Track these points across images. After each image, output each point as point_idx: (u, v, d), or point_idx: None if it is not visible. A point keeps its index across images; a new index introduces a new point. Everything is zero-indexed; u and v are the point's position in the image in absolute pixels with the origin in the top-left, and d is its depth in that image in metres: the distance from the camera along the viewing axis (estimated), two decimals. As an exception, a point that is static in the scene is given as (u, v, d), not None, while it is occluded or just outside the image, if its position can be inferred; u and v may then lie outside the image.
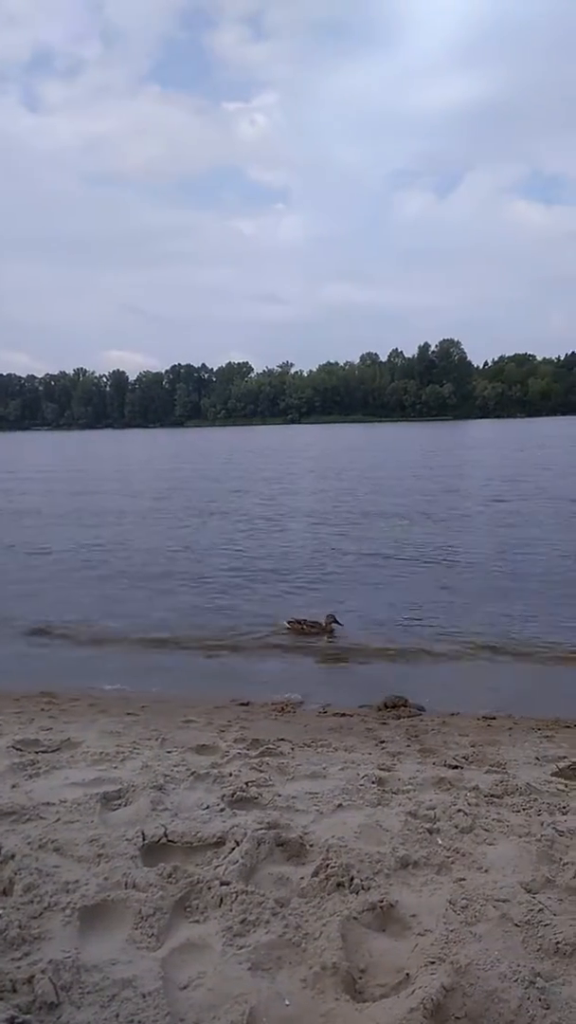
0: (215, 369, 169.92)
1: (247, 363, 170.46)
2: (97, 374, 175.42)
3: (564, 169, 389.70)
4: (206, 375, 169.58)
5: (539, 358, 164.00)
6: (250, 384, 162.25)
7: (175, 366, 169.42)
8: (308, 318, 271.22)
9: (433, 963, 2.17)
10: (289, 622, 8.30)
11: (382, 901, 2.48)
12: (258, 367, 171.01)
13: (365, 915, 2.43)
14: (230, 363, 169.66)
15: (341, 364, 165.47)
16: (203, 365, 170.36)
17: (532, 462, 33.63)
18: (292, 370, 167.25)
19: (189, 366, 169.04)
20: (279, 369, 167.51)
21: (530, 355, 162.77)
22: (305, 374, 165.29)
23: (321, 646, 7.63)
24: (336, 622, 8.19)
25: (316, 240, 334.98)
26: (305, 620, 8.27)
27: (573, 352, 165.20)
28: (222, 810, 3.19)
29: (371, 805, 3.30)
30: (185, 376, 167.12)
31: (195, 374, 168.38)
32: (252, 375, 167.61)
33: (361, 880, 2.61)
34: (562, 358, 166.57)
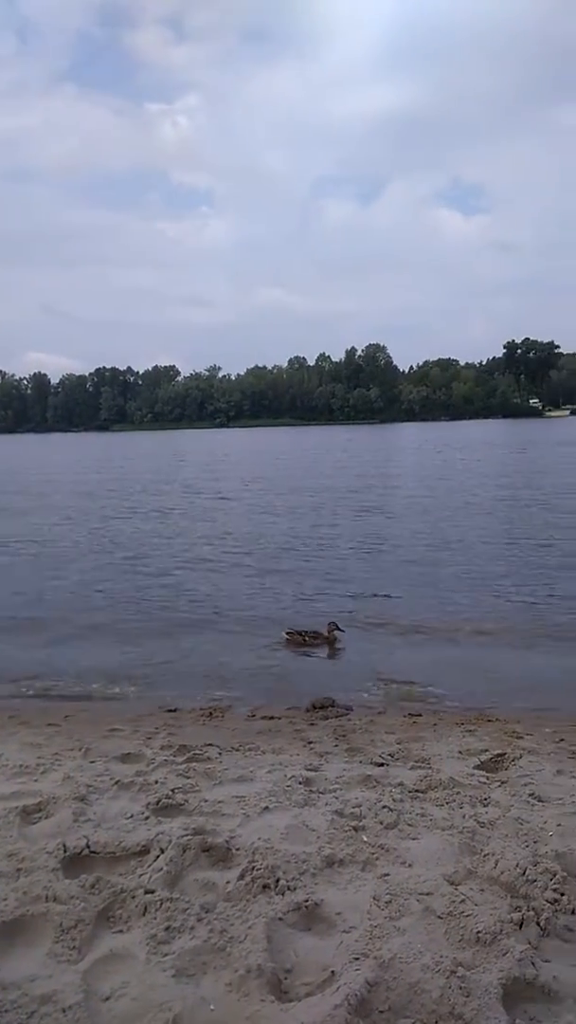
0: (141, 372, 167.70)
1: (174, 366, 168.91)
2: (17, 376, 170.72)
3: (483, 179, 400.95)
4: (132, 378, 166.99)
5: (462, 363, 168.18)
6: (177, 388, 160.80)
7: (99, 369, 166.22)
8: (236, 322, 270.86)
9: (357, 959, 2.19)
10: (288, 633, 7.92)
11: (307, 901, 2.49)
12: (185, 371, 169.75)
13: (291, 915, 2.43)
14: (156, 366, 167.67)
15: (269, 368, 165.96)
16: (128, 368, 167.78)
17: (435, 464, 34.45)
18: (220, 374, 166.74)
19: (114, 369, 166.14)
20: (207, 373, 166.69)
21: (453, 360, 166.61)
22: (233, 378, 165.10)
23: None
24: (339, 629, 7.86)
25: (243, 244, 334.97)
26: (305, 631, 7.89)
27: (493, 357, 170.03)
28: (147, 818, 3.15)
29: (298, 806, 3.31)
30: (110, 379, 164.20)
31: (120, 377, 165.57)
32: (179, 379, 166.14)
33: (287, 881, 2.62)
34: (484, 363, 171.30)
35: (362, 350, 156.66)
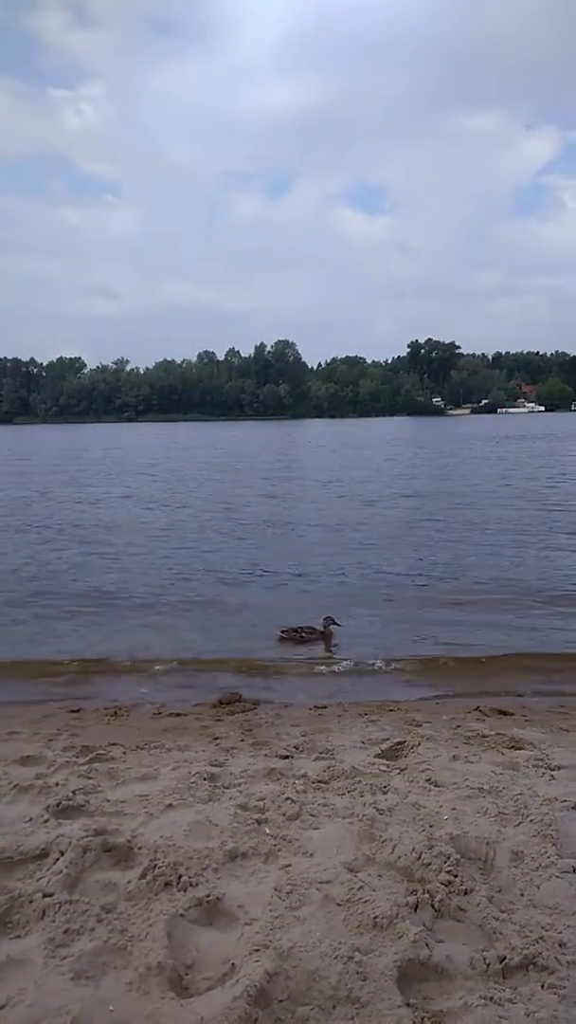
0: (45, 364, 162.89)
1: (80, 358, 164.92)
2: None
3: (387, 180, 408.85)
4: (35, 370, 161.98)
5: (369, 361, 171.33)
6: (83, 380, 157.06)
7: (0, 359, 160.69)
8: (144, 314, 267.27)
9: (258, 950, 2.22)
10: (283, 631, 7.75)
11: (209, 896, 2.50)
12: (92, 363, 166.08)
13: (192, 911, 2.44)
14: (61, 358, 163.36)
15: (178, 362, 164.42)
16: (32, 359, 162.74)
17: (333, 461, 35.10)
18: (128, 367, 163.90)
19: (16, 360, 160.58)
20: (114, 366, 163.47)
21: (360, 358, 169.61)
22: (142, 371, 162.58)
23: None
24: (335, 623, 7.79)
25: (150, 236, 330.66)
26: (301, 627, 7.76)
27: (398, 356, 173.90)
28: (46, 821, 3.09)
29: (202, 802, 3.31)
30: (12, 370, 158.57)
31: (23, 368, 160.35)
32: (85, 371, 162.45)
33: (189, 877, 2.62)
34: (389, 361, 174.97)
35: (271, 346, 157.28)
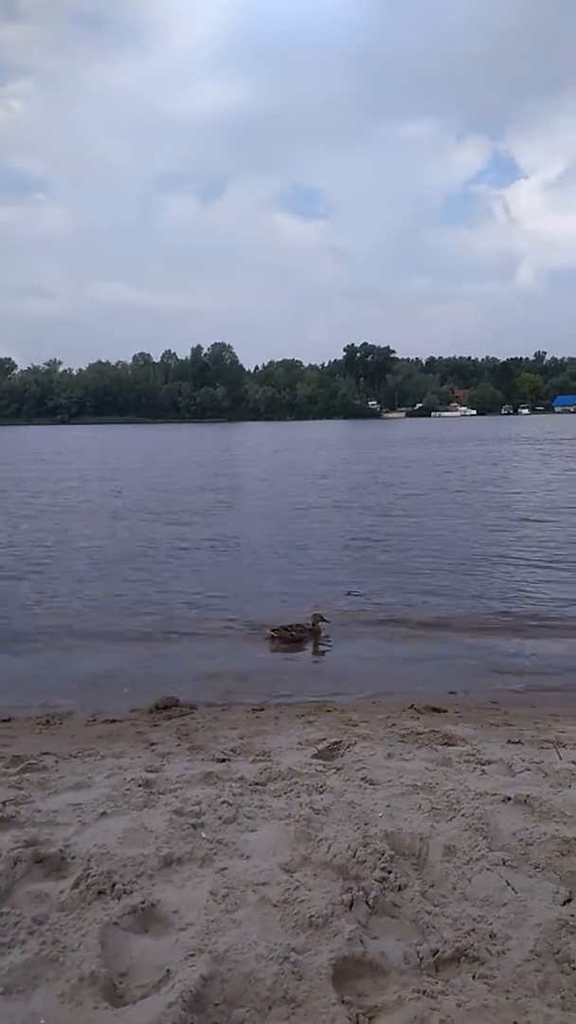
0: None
1: (10, 359, 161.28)
2: None
3: (321, 185, 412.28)
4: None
5: (306, 364, 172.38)
6: (14, 381, 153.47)
7: None
8: (76, 315, 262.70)
9: (193, 955, 2.21)
10: (272, 631, 7.65)
11: (144, 902, 2.47)
12: (22, 364, 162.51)
13: (126, 919, 2.41)
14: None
15: (113, 364, 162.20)
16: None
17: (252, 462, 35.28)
18: (61, 368, 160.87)
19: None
20: (46, 367, 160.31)
21: (297, 361, 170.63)
22: (75, 372, 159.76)
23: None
24: (323, 620, 7.72)
25: (83, 235, 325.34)
26: (290, 626, 7.66)
27: (334, 360, 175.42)
28: (-25, 834, 3.00)
29: (136, 808, 3.27)
30: None
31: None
32: (16, 372, 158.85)
33: (123, 885, 2.59)
34: (326, 365, 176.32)
35: (208, 348, 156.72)
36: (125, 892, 2.55)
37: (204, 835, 2.98)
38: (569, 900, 2.49)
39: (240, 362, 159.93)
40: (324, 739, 4.45)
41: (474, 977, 2.17)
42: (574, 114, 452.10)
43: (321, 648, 7.54)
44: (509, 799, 3.23)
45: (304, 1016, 2.01)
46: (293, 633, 7.59)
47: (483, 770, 3.81)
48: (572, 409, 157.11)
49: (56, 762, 4.20)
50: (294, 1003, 2.05)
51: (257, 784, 3.62)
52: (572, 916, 2.35)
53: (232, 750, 4.35)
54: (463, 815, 3.08)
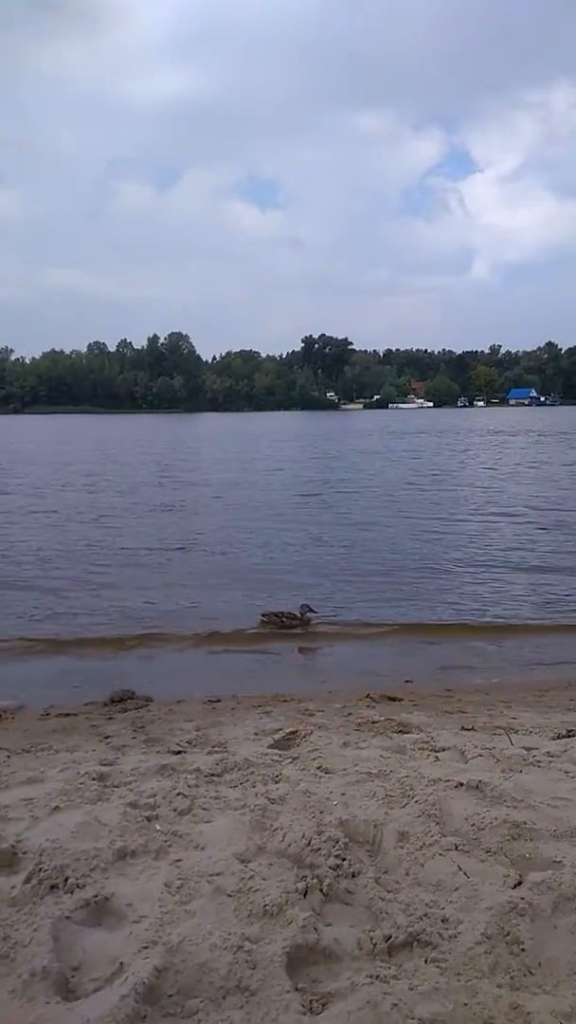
0: None
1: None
2: None
3: (278, 175, 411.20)
4: None
5: (263, 355, 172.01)
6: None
7: None
8: (28, 302, 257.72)
9: (146, 947, 2.19)
10: (264, 615, 7.76)
11: (97, 896, 2.45)
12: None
13: (79, 912, 2.38)
14: None
15: (68, 352, 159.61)
16: None
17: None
18: (13, 356, 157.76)
19: None
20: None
21: (255, 352, 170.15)
22: (28, 361, 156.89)
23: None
24: (311, 611, 7.79)
25: (33, 221, 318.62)
26: (282, 612, 7.77)
27: (293, 351, 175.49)
28: None
29: (90, 802, 3.24)
30: None
31: None
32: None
33: (76, 879, 2.56)
34: (284, 356, 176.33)
35: (165, 338, 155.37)
36: (78, 886, 2.52)
37: (159, 827, 2.97)
38: (519, 883, 2.53)
39: (197, 352, 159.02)
40: (280, 729, 4.46)
41: (426, 961, 2.19)
42: (528, 109, 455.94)
43: (307, 642, 7.58)
44: (462, 785, 3.27)
45: (258, 1004, 2.02)
46: (284, 620, 7.70)
47: (437, 757, 3.86)
48: (526, 402, 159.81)
49: (8, 757, 4.14)
50: (248, 992, 2.05)
51: (213, 775, 3.61)
52: (522, 899, 2.39)
53: (188, 742, 4.34)
54: (417, 801, 3.11)
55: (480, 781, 3.28)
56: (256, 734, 4.46)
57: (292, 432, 60.91)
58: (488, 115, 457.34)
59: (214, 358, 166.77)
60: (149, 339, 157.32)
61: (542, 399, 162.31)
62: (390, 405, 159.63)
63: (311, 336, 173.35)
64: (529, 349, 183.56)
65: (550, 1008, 1.97)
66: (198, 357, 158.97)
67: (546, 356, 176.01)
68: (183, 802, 3.18)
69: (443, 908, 2.41)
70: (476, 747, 3.97)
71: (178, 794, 3.25)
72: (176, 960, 2.13)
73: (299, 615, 7.82)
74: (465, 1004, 1.98)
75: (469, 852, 2.74)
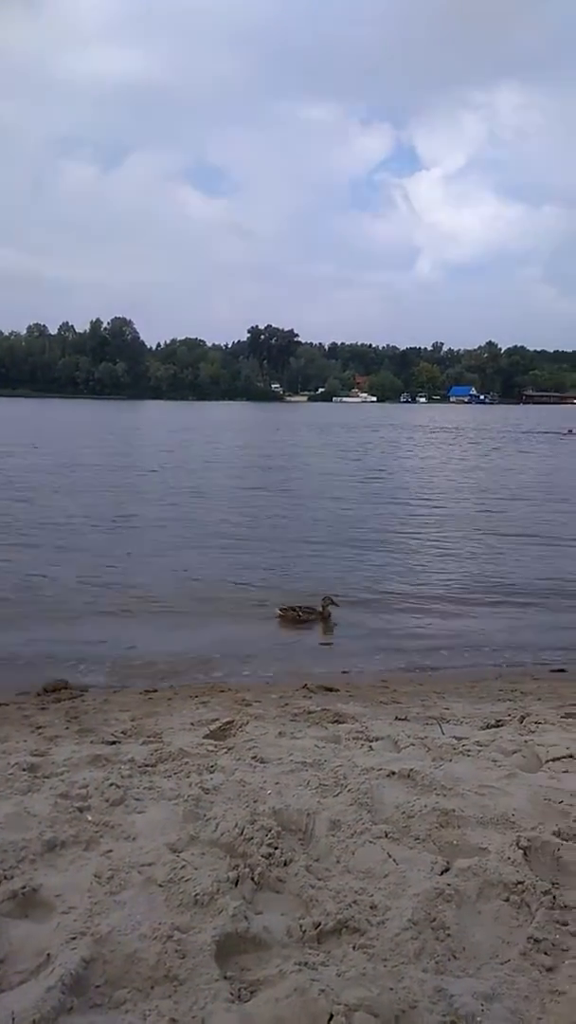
0: None
1: None
2: None
3: (225, 162, 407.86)
4: None
5: (209, 344, 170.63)
6: None
7: None
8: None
9: (75, 938, 2.17)
10: (281, 609, 7.54)
11: (25, 887, 2.41)
12: None
13: (6, 904, 2.34)
14: None
15: (6, 334, 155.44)
16: None
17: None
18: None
19: None
20: None
21: (200, 340, 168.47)
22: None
23: None
24: (333, 603, 7.58)
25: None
26: (299, 607, 7.53)
27: (238, 341, 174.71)
28: None
29: (20, 793, 3.19)
30: None
31: None
32: None
33: (3, 871, 2.52)
34: (229, 345, 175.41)
35: (108, 323, 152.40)
36: (5, 877, 2.48)
37: (90, 818, 2.93)
38: (446, 870, 2.59)
39: (141, 338, 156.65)
40: (217, 719, 4.46)
41: (354, 947, 2.23)
42: (475, 109, 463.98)
43: (329, 632, 7.52)
44: (393, 774, 3.32)
45: (186, 993, 2.02)
46: (301, 615, 7.55)
47: (370, 746, 3.92)
48: (466, 399, 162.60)
49: None
50: (176, 981, 2.05)
51: (147, 765, 3.59)
52: (448, 885, 2.45)
53: (123, 732, 4.30)
54: (349, 790, 3.15)
55: (411, 770, 3.34)
56: (192, 724, 4.45)
57: (243, 426, 60.62)
58: (435, 113, 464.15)
59: (158, 345, 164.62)
60: (92, 323, 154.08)
61: (481, 397, 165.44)
62: (334, 399, 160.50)
63: (257, 327, 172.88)
64: (470, 348, 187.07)
65: (472, 990, 2.03)
66: (142, 343, 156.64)
67: (486, 355, 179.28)
68: (116, 793, 3.15)
69: (372, 895, 2.45)
70: (409, 737, 4.03)
71: (111, 784, 3.22)
72: (104, 951, 2.12)
73: (320, 608, 7.67)
74: (391, 989, 2.02)
75: (399, 840, 2.79)
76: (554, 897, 2.42)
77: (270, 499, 16.76)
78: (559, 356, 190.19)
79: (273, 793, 3.13)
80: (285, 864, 2.61)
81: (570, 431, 51.11)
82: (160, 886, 2.45)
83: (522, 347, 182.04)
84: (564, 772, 3.49)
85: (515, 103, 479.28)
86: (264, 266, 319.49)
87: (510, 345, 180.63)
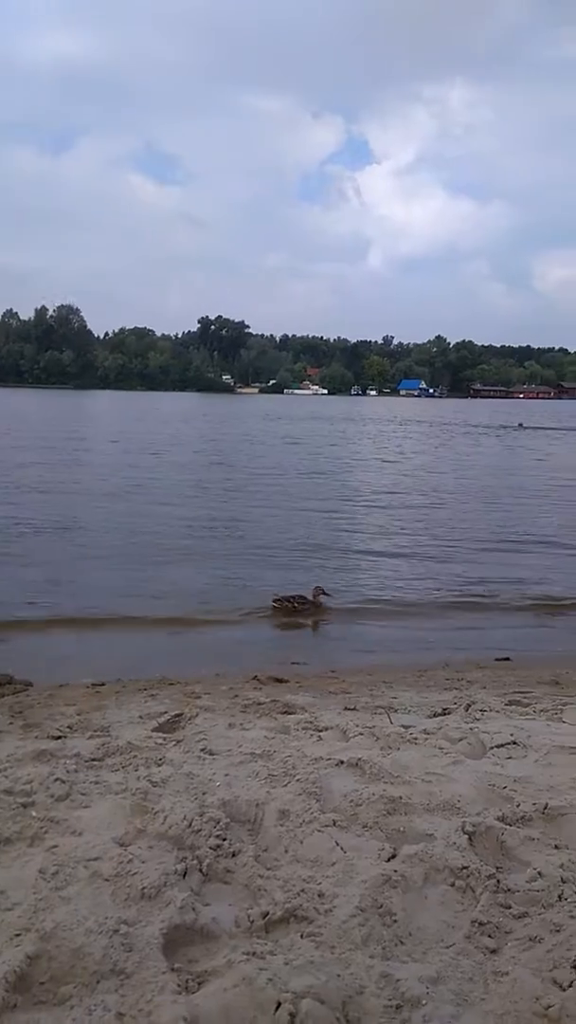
0: None
1: None
2: None
3: (177, 150, 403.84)
4: None
5: (159, 334, 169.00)
6: None
7: None
8: None
9: (19, 935, 2.13)
10: (275, 600, 7.51)
11: (-34, 885, 2.36)
12: None
13: (-53, 904, 2.29)
14: None
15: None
16: None
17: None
18: None
19: None
20: None
21: (150, 330, 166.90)
22: None
23: None
24: (324, 593, 7.59)
25: None
26: (293, 596, 7.51)
27: (189, 331, 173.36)
28: None
29: (-38, 790, 3.11)
30: None
31: None
32: None
33: (-55, 869, 2.46)
34: (180, 336, 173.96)
35: (54, 310, 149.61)
36: (-54, 876, 2.43)
37: (35, 813, 2.88)
38: (393, 856, 2.62)
39: (89, 327, 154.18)
40: (166, 712, 4.43)
41: (302, 936, 2.24)
42: (426, 105, 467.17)
43: (321, 622, 7.56)
44: (342, 763, 3.34)
45: (133, 987, 2.00)
46: (295, 605, 7.57)
47: (319, 736, 3.94)
48: (416, 393, 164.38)
49: None
50: (123, 975, 2.03)
51: (94, 760, 3.54)
52: (395, 871, 2.48)
53: (69, 727, 4.24)
54: (298, 780, 3.16)
55: (360, 759, 3.36)
56: (140, 717, 4.41)
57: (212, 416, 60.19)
58: (387, 107, 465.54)
59: (107, 334, 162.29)
60: (37, 311, 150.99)
61: (430, 391, 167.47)
62: (286, 391, 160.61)
63: (207, 317, 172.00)
64: (420, 342, 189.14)
65: (418, 975, 2.05)
66: (89, 332, 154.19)
67: (435, 349, 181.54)
68: (61, 788, 3.10)
69: (320, 883, 2.47)
70: (357, 726, 4.07)
71: (56, 780, 3.17)
72: (49, 947, 2.09)
73: (311, 598, 7.71)
74: (338, 975, 2.03)
75: (347, 828, 2.81)
76: (498, 881, 2.47)
77: (216, 497, 16.66)
78: (505, 351, 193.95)
79: (222, 785, 3.13)
80: (233, 855, 2.60)
81: (520, 424, 52.56)
82: (107, 880, 2.42)
83: (470, 342, 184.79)
84: (508, 758, 3.56)
85: (466, 99, 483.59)
86: (215, 256, 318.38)
87: (459, 340, 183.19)
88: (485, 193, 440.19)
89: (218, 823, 2.74)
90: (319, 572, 9.43)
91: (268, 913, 2.31)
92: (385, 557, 10.90)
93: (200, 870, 2.50)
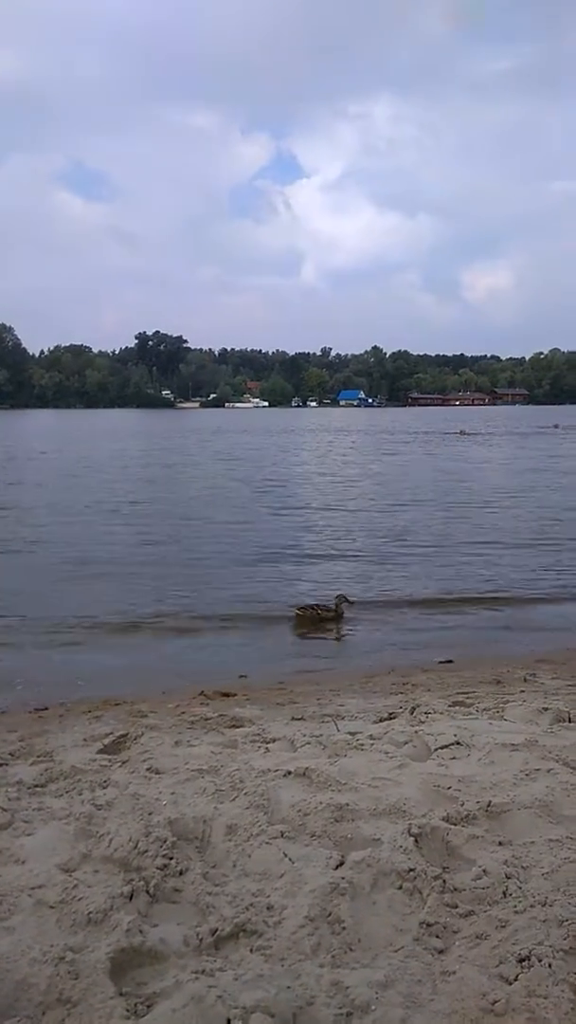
0: None
1: None
2: None
3: (103, 167, 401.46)
4: None
5: (96, 351, 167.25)
6: None
7: None
8: None
9: (-40, 971, 2.07)
10: (299, 609, 7.40)
11: None
12: None
13: None
14: None
15: None
16: None
17: None
18: None
19: None
20: None
21: (86, 347, 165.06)
22: None
23: None
24: (347, 601, 7.49)
25: None
26: (316, 605, 7.44)
27: (127, 347, 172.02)
28: None
29: None
30: None
31: None
32: None
33: None
34: (117, 352, 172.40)
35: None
36: None
37: (-25, 844, 2.81)
38: (341, 863, 2.62)
39: (23, 345, 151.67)
40: (111, 733, 4.36)
41: (252, 950, 2.23)
42: (351, 120, 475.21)
43: (344, 631, 7.50)
44: (290, 773, 3.34)
45: (80, 1015, 1.96)
46: (319, 613, 7.55)
47: (267, 748, 3.93)
48: (355, 403, 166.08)
49: None
50: (70, 1003, 1.99)
51: (36, 786, 3.47)
52: (343, 879, 2.48)
53: (10, 754, 4.13)
54: (246, 793, 3.15)
55: (307, 768, 3.37)
56: (85, 740, 4.34)
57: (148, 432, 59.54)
58: (314, 123, 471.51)
59: (42, 352, 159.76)
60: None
61: (370, 401, 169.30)
62: (226, 404, 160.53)
63: (145, 333, 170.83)
64: (357, 352, 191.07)
65: (367, 980, 2.06)
66: (24, 350, 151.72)
67: (372, 360, 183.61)
68: (3, 816, 3.02)
69: (269, 896, 2.46)
70: (305, 736, 4.08)
71: (-3, 808, 3.09)
72: (-8, 981, 2.03)
73: (334, 607, 7.67)
74: (288, 987, 2.03)
75: (295, 838, 2.81)
76: (444, 881, 2.50)
77: (157, 512, 16.53)
78: (440, 360, 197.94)
79: (168, 803, 3.09)
80: (181, 874, 2.58)
81: (462, 431, 53.43)
82: (51, 908, 2.37)
83: (406, 351, 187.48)
84: (452, 759, 3.61)
85: (389, 115, 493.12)
86: (150, 272, 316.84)
87: (395, 350, 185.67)
88: (411, 206, 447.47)
89: (164, 842, 2.71)
90: (255, 584, 9.45)
91: (217, 930, 2.29)
92: (326, 561, 10.97)
93: (147, 891, 2.46)
